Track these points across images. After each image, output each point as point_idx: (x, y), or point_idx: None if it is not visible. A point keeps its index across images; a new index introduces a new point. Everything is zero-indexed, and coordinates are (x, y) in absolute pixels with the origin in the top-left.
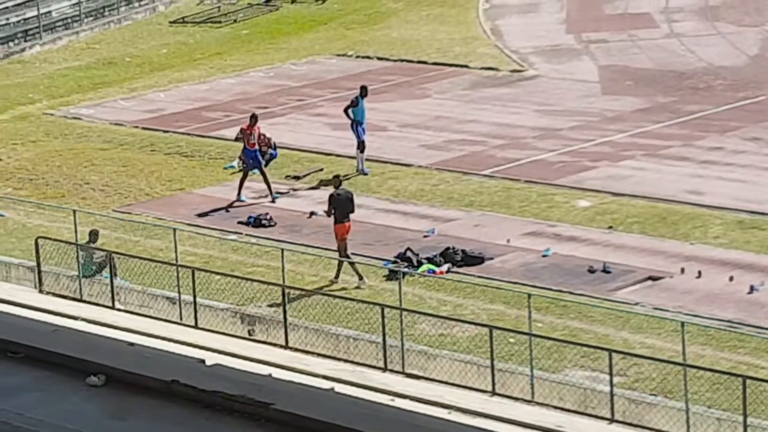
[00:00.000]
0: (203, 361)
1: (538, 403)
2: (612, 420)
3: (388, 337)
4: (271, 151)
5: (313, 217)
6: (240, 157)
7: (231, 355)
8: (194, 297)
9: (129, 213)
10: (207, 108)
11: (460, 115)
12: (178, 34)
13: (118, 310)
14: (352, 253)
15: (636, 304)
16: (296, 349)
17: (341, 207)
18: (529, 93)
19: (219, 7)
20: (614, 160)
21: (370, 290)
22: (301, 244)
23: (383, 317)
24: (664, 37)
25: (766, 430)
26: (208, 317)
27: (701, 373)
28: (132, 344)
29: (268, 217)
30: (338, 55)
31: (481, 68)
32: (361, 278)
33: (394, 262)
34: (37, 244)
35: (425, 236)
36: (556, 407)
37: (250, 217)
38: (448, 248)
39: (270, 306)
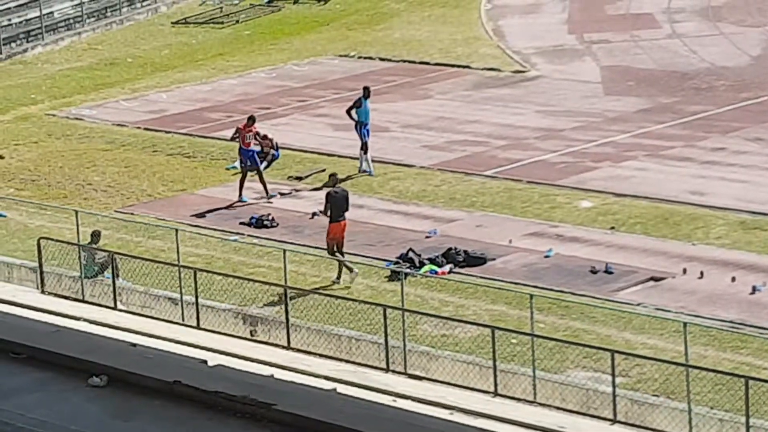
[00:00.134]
0: (205, 362)
1: (540, 404)
2: (614, 421)
3: (390, 337)
4: (273, 151)
5: (315, 217)
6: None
7: (233, 355)
8: (196, 298)
9: (131, 214)
10: (209, 109)
11: (462, 115)
12: (180, 34)
13: (120, 310)
14: (353, 254)
15: (638, 304)
16: (298, 350)
17: (338, 206)
18: (531, 93)
19: (221, 7)
20: (616, 160)
21: (372, 291)
22: (303, 245)
23: (385, 318)
24: (667, 38)
25: None
26: (210, 318)
27: (703, 374)
28: (134, 345)
29: (270, 217)
30: (340, 56)
31: (483, 69)
32: (351, 270)
33: (396, 263)
34: (39, 244)
35: (427, 237)
36: (558, 408)
37: (252, 218)
38: (450, 249)
39: (270, 304)
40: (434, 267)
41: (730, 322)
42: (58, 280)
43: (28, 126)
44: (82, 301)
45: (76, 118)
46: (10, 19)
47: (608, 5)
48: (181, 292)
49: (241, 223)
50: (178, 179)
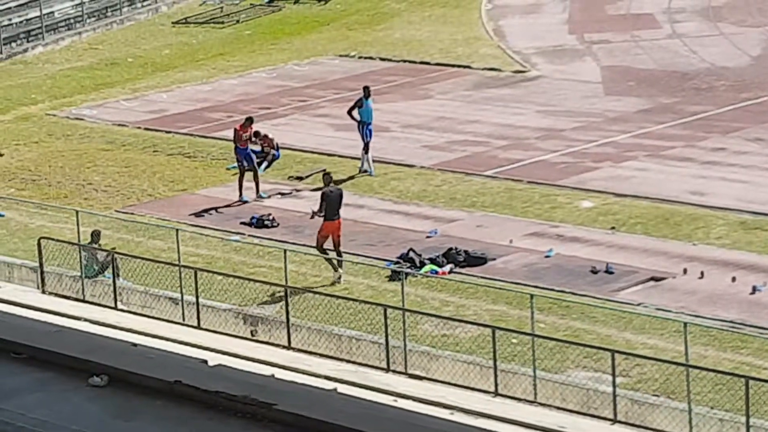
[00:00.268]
0: (206, 362)
1: (540, 404)
2: (615, 421)
3: (390, 337)
4: (273, 151)
5: (315, 217)
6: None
7: (233, 355)
8: (197, 297)
9: (131, 214)
10: (209, 109)
11: (462, 115)
12: (181, 34)
13: (121, 310)
14: (354, 254)
15: (639, 304)
16: (299, 350)
17: (332, 204)
18: (532, 93)
19: (222, 7)
20: (617, 160)
21: (373, 291)
22: (304, 245)
23: (386, 318)
24: (667, 38)
25: None
26: (211, 318)
27: (704, 374)
28: (135, 345)
29: (271, 217)
30: (341, 56)
31: (484, 69)
32: (336, 270)
33: (397, 263)
34: (39, 244)
35: (428, 237)
36: (558, 408)
37: (252, 218)
38: (450, 249)
39: (270, 303)
40: (435, 267)
41: (731, 322)
42: (59, 279)
43: (29, 126)
44: (83, 300)
45: (77, 118)
46: (10, 19)
47: (609, 5)
48: (181, 292)
49: (241, 223)
50: (179, 179)
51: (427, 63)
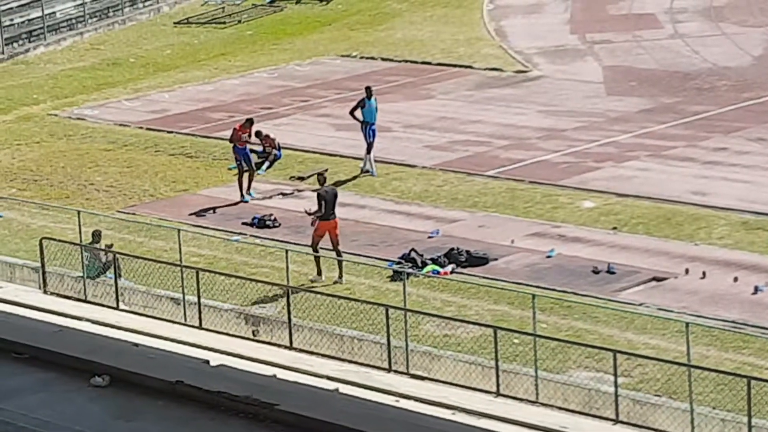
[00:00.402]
0: (207, 362)
1: (542, 404)
2: (616, 421)
3: (392, 337)
4: (275, 151)
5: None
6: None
7: (235, 355)
8: (198, 298)
9: (133, 214)
10: (211, 109)
11: (464, 115)
12: (183, 34)
13: (123, 310)
14: (355, 254)
15: (640, 304)
16: (300, 350)
17: (329, 204)
18: (534, 93)
19: (223, 7)
20: (619, 160)
21: (375, 291)
22: (305, 245)
23: (387, 318)
24: (669, 38)
25: None
26: (213, 318)
27: (706, 374)
28: (136, 345)
29: (273, 218)
30: (342, 56)
31: (486, 69)
32: (319, 273)
33: (399, 263)
34: (41, 244)
35: (429, 237)
36: (560, 408)
37: (254, 218)
38: (452, 249)
39: (272, 301)
40: (437, 267)
41: (733, 322)
42: (61, 280)
43: (31, 126)
44: (85, 301)
45: (79, 118)
46: (12, 19)
47: (610, 5)
48: (183, 292)
49: (243, 223)
50: (181, 179)
51: (429, 63)
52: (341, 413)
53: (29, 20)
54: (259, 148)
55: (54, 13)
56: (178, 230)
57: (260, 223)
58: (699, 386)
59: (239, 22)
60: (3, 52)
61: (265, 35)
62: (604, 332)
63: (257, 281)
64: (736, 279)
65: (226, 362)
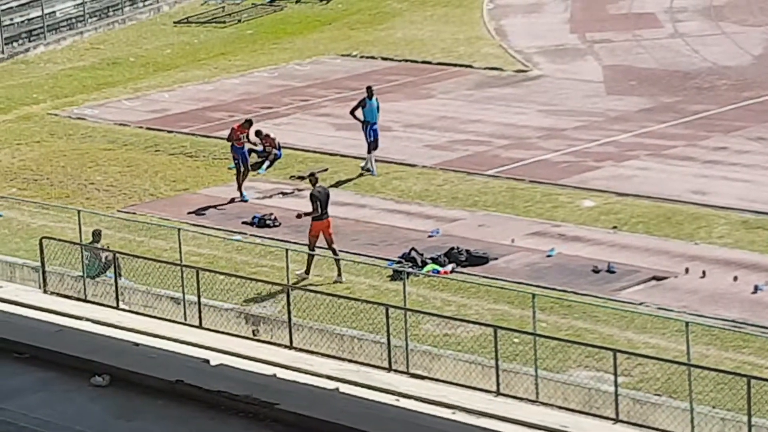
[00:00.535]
0: (208, 362)
1: (542, 403)
2: (616, 420)
3: (392, 337)
4: (275, 151)
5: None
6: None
7: (235, 355)
8: (198, 297)
9: (133, 213)
10: (211, 108)
11: (464, 115)
12: (183, 34)
13: (123, 310)
14: (355, 253)
15: (640, 304)
16: (301, 350)
17: (322, 204)
18: (534, 93)
19: (223, 7)
20: (618, 160)
21: (375, 290)
22: (305, 244)
23: (387, 317)
24: (669, 37)
25: None
26: (213, 317)
27: (705, 373)
28: (136, 344)
29: (273, 217)
30: (342, 55)
31: (486, 68)
32: (307, 272)
33: (399, 262)
34: (41, 244)
35: (430, 236)
36: (560, 407)
37: (254, 217)
38: (452, 248)
39: (271, 299)
40: (437, 266)
41: (732, 321)
42: (61, 279)
43: (31, 125)
44: (85, 300)
45: (79, 118)
46: (12, 19)
47: (610, 5)
48: (183, 292)
49: (243, 223)
50: (181, 179)
51: (429, 62)
52: (341, 412)
53: (29, 20)
54: (260, 148)
55: (54, 12)
56: (179, 230)
57: (260, 222)
58: (699, 385)
59: (239, 21)
60: (3, 52)
61: (265, 35)
62: (604, 331)
63: (257, 280)
64: (736, 278)
65: (226, 361)
